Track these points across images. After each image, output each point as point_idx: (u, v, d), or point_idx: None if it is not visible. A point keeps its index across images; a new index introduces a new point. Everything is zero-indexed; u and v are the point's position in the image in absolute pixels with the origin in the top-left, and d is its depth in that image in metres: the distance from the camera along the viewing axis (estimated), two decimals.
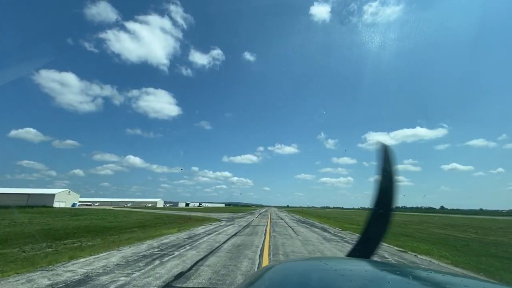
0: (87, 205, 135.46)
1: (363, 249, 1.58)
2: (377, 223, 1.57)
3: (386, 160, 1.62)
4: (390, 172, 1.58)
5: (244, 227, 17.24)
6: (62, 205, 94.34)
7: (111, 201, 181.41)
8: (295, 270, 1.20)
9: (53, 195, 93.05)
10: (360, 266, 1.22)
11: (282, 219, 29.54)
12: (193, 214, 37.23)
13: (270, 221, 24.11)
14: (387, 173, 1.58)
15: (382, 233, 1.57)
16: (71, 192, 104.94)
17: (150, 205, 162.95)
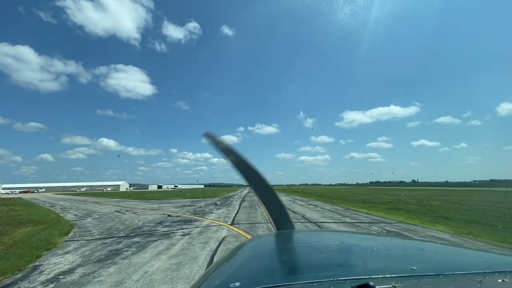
0: (23, 192, 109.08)
1: (282, 221, 1.56)
2: (267, 196, 1.57)
3: (219, 143, 1.70)
4: (230, 150, 1.62)
5: None
6: None
7: (63, 186, 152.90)
8: (267, 246, 1.21)
9: None
10: (331, 238, 1.28)
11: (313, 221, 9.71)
12: (101, 204, 16.19)
13: None
14: (229, 152, 1.61)
15: (277, 201, 1.55)
16: None
17: (110, 189, 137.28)
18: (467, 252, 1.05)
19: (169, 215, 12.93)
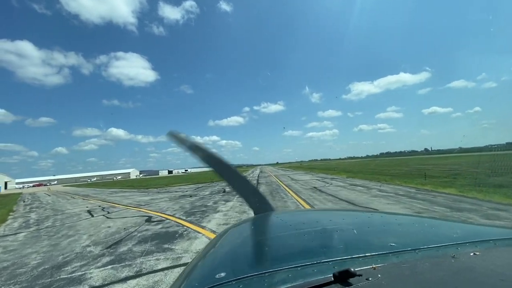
0: (36, 185, 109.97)
1: (260, 204, 1.56)
2: (240, 185, 1.60)
3: (184, 142, 1.67)
4: (196, 147, 1.62)
5: None
6: None
7: (75, 177, 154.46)
8: (250, 232, 1.19)
9: None
10: (312, 217, 1.24)
11: None
12: None
13: None
14: (195, 149, 1.62)
15: (250, 187, 1.60)
16: None
17: (120, 177, 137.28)
18: (442, 223, 1.10)
19: (148, 219, 8.13)
